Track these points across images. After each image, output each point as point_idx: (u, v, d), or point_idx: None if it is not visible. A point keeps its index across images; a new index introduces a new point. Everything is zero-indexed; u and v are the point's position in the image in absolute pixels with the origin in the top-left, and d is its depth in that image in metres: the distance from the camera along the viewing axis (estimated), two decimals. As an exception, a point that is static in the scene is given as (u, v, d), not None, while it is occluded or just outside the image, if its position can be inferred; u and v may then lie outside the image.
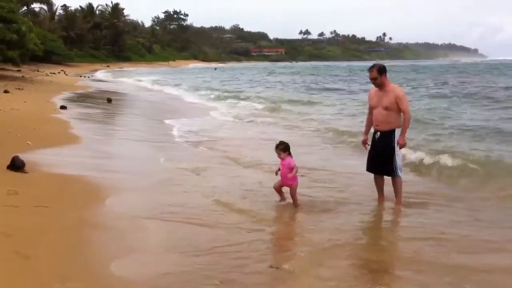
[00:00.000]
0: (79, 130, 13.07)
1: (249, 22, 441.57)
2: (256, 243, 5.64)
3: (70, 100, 22.35)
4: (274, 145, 7.44)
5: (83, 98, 24.49)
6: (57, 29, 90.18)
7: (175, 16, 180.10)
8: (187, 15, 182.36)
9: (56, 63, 73.23)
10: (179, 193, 7.77)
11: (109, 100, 22.68)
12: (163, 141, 13.01)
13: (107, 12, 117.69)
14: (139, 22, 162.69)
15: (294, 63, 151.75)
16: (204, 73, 70.98)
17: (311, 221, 6.66)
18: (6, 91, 22.16)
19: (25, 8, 72.35)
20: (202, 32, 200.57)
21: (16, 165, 7.82)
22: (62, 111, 16.97)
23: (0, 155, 8.33)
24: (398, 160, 7.25)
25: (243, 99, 26.66)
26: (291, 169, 7.12)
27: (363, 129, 7.98)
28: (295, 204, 7.21)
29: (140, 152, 11.26)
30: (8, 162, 7.87)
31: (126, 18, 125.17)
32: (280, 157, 7.28)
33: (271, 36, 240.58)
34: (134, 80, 49.64)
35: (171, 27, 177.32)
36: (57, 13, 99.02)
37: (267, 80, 48.32)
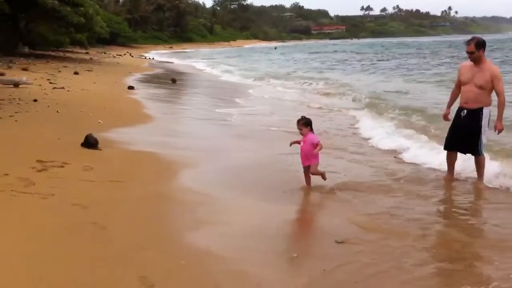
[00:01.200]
0: (147, 109, 13.48)
1: (310, 0, 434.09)
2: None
3: (137, 80, 23.00)
4: None
5: (148, 79, 25.14)
6: (122, 12, 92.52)
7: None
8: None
9: (121, 45, 75.27)
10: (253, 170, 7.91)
11: (174, 81, 23.18)
12: (225, 119, 13.18)
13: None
14: (201, 2, 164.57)
15: (354, 40, 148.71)
16: (268, 54, 70.49)
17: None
18: (76, 73, 23.07)
19: (91, -9, 74.54)
20: (262, 11, 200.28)
21: (90, 143, 8.18)
22: (130, 91, 17.51)
23: (74, 134, 8.76)
24: (484, 139, 7.05)
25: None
26: (314, 145, 6.75)
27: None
28: (323, 177, 6.90)
29: (206, 130, 11.50)
30: (82, 140, 8.26)
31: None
32: (301, 133, 6.90)
33: (332, 13, 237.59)
34: (195, 61, 50.32)
35: (232, 7, 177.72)
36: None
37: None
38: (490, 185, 7.11)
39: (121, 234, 4.86)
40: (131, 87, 18.20)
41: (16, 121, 10.18)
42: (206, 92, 20.56)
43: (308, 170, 6.87)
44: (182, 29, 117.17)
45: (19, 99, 12.99)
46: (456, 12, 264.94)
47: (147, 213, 5.54)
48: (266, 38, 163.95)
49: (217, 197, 6.32)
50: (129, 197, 5.99)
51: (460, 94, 7.19)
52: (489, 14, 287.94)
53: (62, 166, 6.91)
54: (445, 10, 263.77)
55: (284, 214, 5.93)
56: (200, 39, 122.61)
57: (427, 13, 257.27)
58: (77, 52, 45.23)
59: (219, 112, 14.21)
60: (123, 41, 78.58)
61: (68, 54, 40.60)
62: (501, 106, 6.85)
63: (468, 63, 7.11)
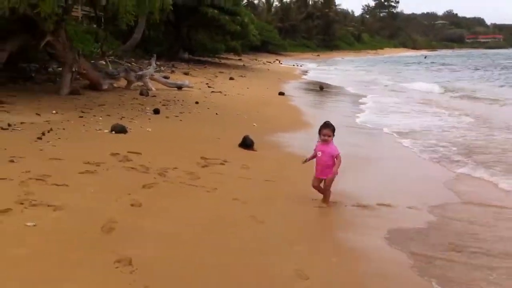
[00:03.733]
0: (298, 114, 13.97)
1: (464, 7, 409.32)
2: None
3: (286, 87, 23.74)
4: None
5: (298, 86, 25.80)
6: (273, 21, 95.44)
7: (385, 3, 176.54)
8: (398, 2, 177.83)
9: (271, 52, 77.56)
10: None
11: (321, 88, 23.57)
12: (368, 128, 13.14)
13: (319, 2, 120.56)
14: (349, 11, 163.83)
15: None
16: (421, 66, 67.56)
17: None
18: (231, 78, 24.48)
19: (245, 0, 77.99)
20: (412, 19, 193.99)
21: (247, 144, 8.80)
22: (280, 97, 18.21)
23: (232, 135, 9.46)
24: None
25: None
26: (333, 158, 6.05)
27: None
28: (325, 199, 6.15)
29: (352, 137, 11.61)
30: (239, 141, 8.89)
31: (337, 7, 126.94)
32: (325, 139, 6.08)
33: (488, 21, 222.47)
34: (345, 70, 50.17)
35: (381, 15, 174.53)
36: (273, 5, 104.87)
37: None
38: None
39: (276, 229, 5.24)
40: (281, 93, 18.89)
41: (181, 120, 11.23)
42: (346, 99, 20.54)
43: (320, 182, 6.22)
44: (330, 37, 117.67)
45: (183, 100, 14.23)
46: None
47: (299, 211, 5.87)
48: (415, 46, 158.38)
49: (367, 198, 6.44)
50: (282, 195, 6.37)
51: None
52: None
53: (223, 164, 7.55)
54: None
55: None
56: (347, 47, 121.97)
57: None
58: (231, 59, 47.66)
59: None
60: (272, 48, 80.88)
61: (223, 61, 43.00)
62: None
63: None
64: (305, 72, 41.50)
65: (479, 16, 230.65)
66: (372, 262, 4.66)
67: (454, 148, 10.13)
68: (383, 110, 16.39)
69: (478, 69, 45.21)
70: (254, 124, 11.36)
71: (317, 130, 6.28)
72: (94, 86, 14.84)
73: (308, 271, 4.24)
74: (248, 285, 3.98)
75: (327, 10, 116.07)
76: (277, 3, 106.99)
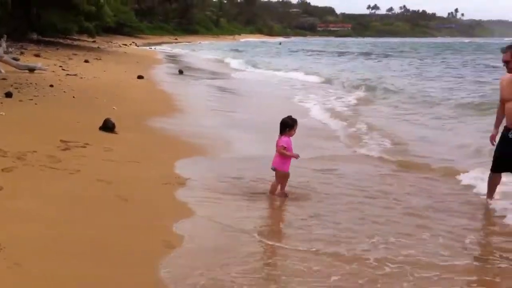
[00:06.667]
0: (158, 97, 14.08)
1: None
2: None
3: (144, 69, 23.53)
4: None
5: (156, 68, 25.65)
6: (130, 2, 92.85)
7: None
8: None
9: (127, 34, 75.74)
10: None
11: (181, 72, 23.76)
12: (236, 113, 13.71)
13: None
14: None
15: (361, 39, 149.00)
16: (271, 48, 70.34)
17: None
18: (86, 61, 23.70)
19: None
20: (268, 6, 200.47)
21: (108, 126, 8.83)
22: (140, 80, 18.11)
23: (92, 118, 9.39)
24: None
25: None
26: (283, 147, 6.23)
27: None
28: (282, 193, 6.28)
29: (213, 121, 12.05)
30: (100, 124, 8.88)
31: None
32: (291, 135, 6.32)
33: (338, 11, 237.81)
34: (202, 53, 50.61)
35: (239, 0, 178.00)
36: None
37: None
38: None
39: (142, 206, 5.50)
40: (140, 77, 18.78)
41: (36, 104, 10.84)
42: (209, 83, 20.98)
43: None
44: (188, 21, 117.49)
45: (36, 84, 13.63)
46: (463, 14, 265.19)
47: (162, 190, 6.16)
48: (271, 33, 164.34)
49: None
50: (145, 175, 6.60)
51: (505, 113, 6.17)
52: (495, 17, 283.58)
53: (84, 147, 7.56)
54: (451, 12, 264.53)
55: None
56: (206, 32, 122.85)
57: (433, 14, 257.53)
58: (84, 40, 45.81)
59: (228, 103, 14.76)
60: (128, 31, 79.00)
61: (76, 42, 41.19)
62: None
63: (508, 75, 6.09)
64: (167, 56, 41.23)
65: (329, 5, 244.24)
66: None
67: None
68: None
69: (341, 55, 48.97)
70: (114, 107, 11.31)
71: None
72: None
73: (174, 241, 4.59)
74: (119, 257, 4.22)
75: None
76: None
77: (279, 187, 6.31)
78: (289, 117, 6.31)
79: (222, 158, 8.14)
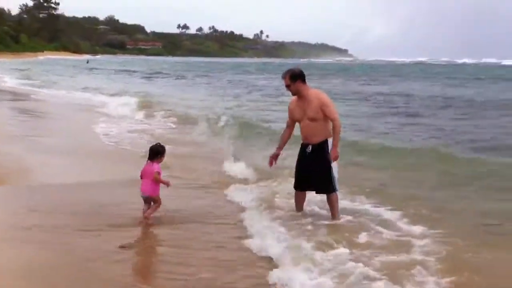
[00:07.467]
0: None
1: (126, 14, 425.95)
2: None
3: None
4: None
5: None
6: None
7: (45, 4, 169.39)
8: (58, 3, 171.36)
9: None
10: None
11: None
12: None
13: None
14: (6, 9, 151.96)
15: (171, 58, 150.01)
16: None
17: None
18: None
19: None
20: (74, 23, 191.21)
21: None
22: None
23: None
24: (335, 173, 6.36)
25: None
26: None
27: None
28: (148, 219, 6.20)
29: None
30: None
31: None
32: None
33: (148, 29, 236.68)
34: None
35: (41, 16, 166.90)
36: None
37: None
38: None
39: None
40: None
41: None
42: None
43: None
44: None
45: None
46: (268, 36, 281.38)
47: None
48: (78, 50, 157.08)
49: None
50: None
51: (301, 131, 6.47)
52: (296, 39, 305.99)
53: None
54: (257, 34, 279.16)
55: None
56: (4, 49, 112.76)
57: (241, 35, 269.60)
58: None
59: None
60: None
61: None
62: (336, 132, 6.27)
63: (294, 98, 6.48)
64: None
65: (139, 23, 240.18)
66: None
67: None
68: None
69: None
70: None
71: None
72: None
73: None
74: None
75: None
76: None
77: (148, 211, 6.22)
78: (159, 145, 6.40)
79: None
